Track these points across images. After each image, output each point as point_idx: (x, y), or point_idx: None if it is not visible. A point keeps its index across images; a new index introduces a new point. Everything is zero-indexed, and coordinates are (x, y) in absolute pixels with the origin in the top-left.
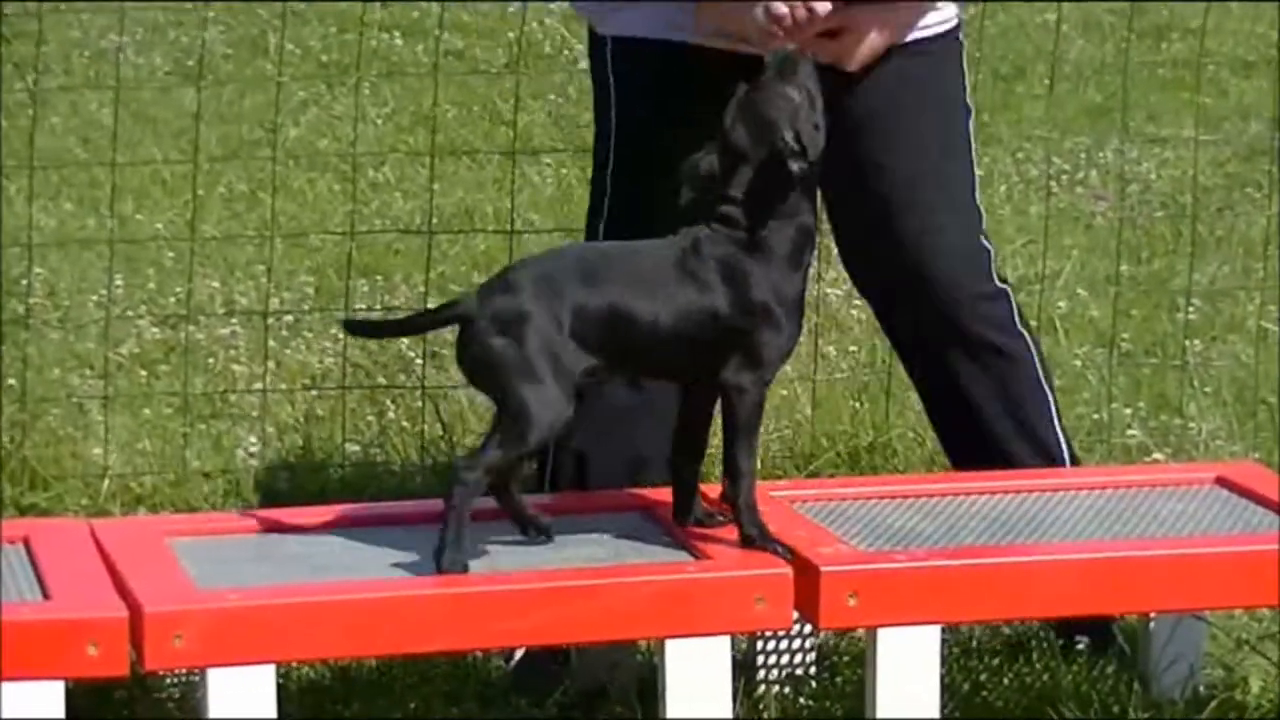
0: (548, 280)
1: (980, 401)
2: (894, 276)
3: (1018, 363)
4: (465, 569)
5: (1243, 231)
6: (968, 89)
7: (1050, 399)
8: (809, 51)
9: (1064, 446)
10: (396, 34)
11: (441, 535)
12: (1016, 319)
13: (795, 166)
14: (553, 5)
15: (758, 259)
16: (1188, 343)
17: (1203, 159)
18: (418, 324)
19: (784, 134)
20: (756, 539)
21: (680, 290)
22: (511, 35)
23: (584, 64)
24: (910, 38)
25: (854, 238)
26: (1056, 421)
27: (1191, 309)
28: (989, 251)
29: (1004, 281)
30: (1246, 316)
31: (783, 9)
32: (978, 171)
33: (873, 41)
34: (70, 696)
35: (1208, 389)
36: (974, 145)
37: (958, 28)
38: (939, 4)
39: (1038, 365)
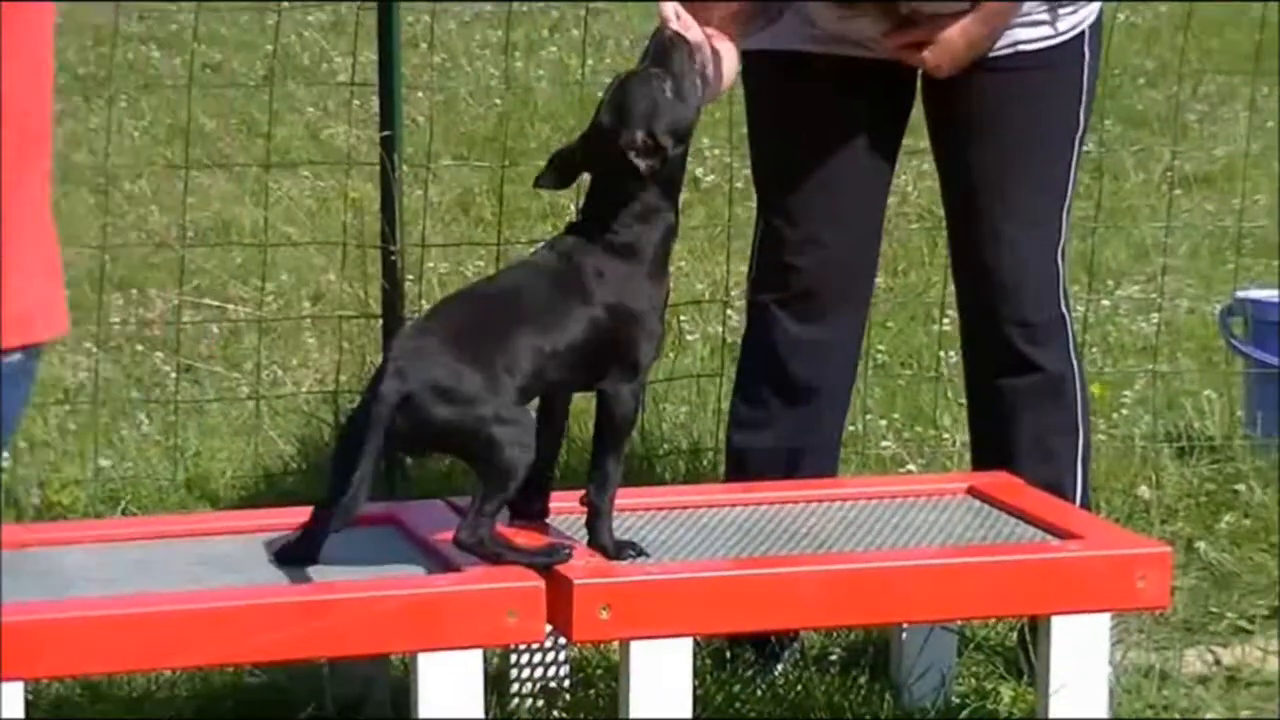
0: (457, 332)
1: (1011, 418)
2: (968, 273)
3: (1057, 392)
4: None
5: None
6: (1084, 106)
7: (1080, 437)
8: (907, 60)
9: (1079, 488)
10: (153, 46)
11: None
12: (1070, 348)
13: (643, 165)
14: (310, 18)
15: (626, 263)
16: (942, 354)
17: None
18: (372, 459)
19: (636, 133)
20: (610, 550)
21: (563, 306)
22: (269, 48)
23: (342, 76)
24: (1018, 49)
25: (949, 230)
26: (1080, 463)
27: (946, 321)
28: (1059, 273)
29: (1068, 309)
30: None
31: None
32: (1073, 189)
33: (956, 49)
34: None
35: (961, 400)
36: (1075, 166)
37: (1079, 40)
38: (1036, 15)
39: (1077, 401)
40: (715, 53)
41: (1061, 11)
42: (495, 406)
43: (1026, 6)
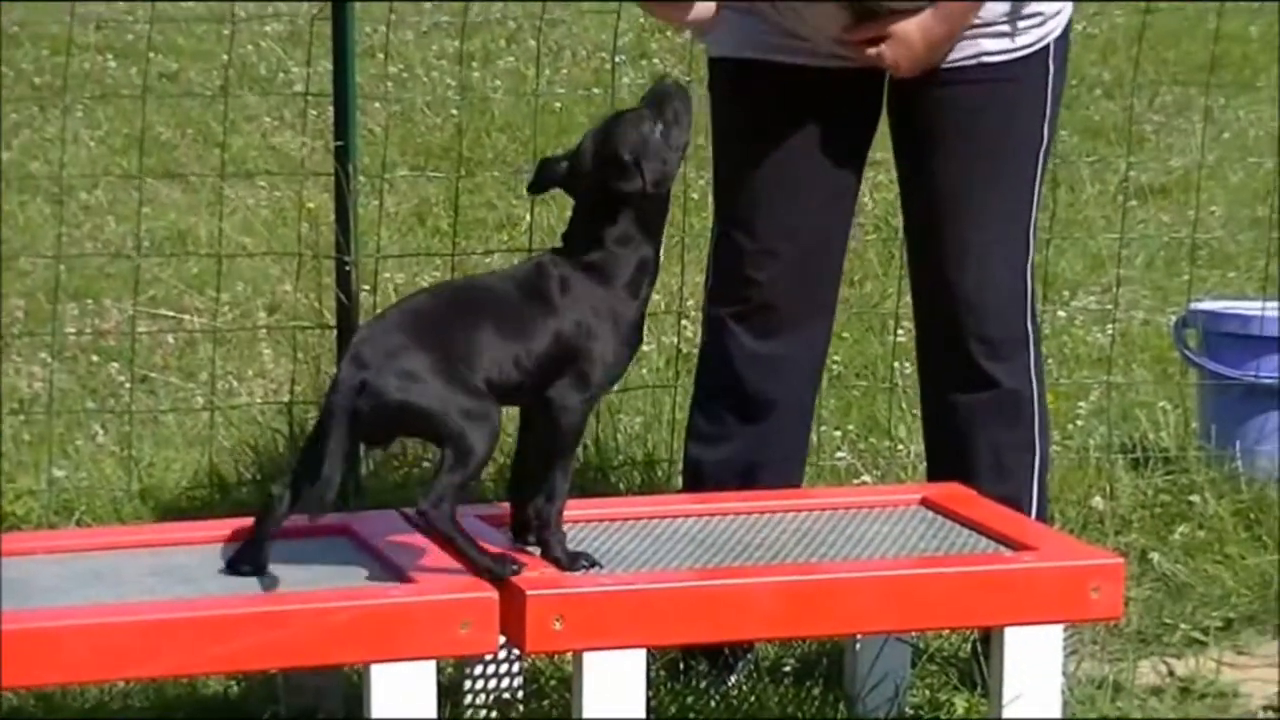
0: (417, 322)
1: (967, 434)
2: (929, 287)
3: (1015, 409)
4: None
5: None
6: (1049, 120)
7: (1038, 454)
8: (864, 58)
9: (1034, 503)
10: (110, 56)
11: (469, 556)
12: (1031, 366)
13: (627, 187)
14: (267, 28)
15: (596, 281)
16: (896, 365)
17: None
18: (341, 445)
19: (624, 156)
20: (564, 561)
21: (527, 311)
22: (225, 58)
23: (299, 86)
24: (982, 60)
25: (909, 244)
26: (1037, 478)
27: (901, 331)
28: (1027, 291)
29: (1035, 325)
30: None
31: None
32: (1038, 207)
33: (914, 46)
34: None
35: (915, 411)
36: (1040, 180)
37: (1044, 53)
38: (1000, 26)
39: (1035, 418)
40: None
41: (1021, 25)
42: (453, 387)
43: (989, 12)
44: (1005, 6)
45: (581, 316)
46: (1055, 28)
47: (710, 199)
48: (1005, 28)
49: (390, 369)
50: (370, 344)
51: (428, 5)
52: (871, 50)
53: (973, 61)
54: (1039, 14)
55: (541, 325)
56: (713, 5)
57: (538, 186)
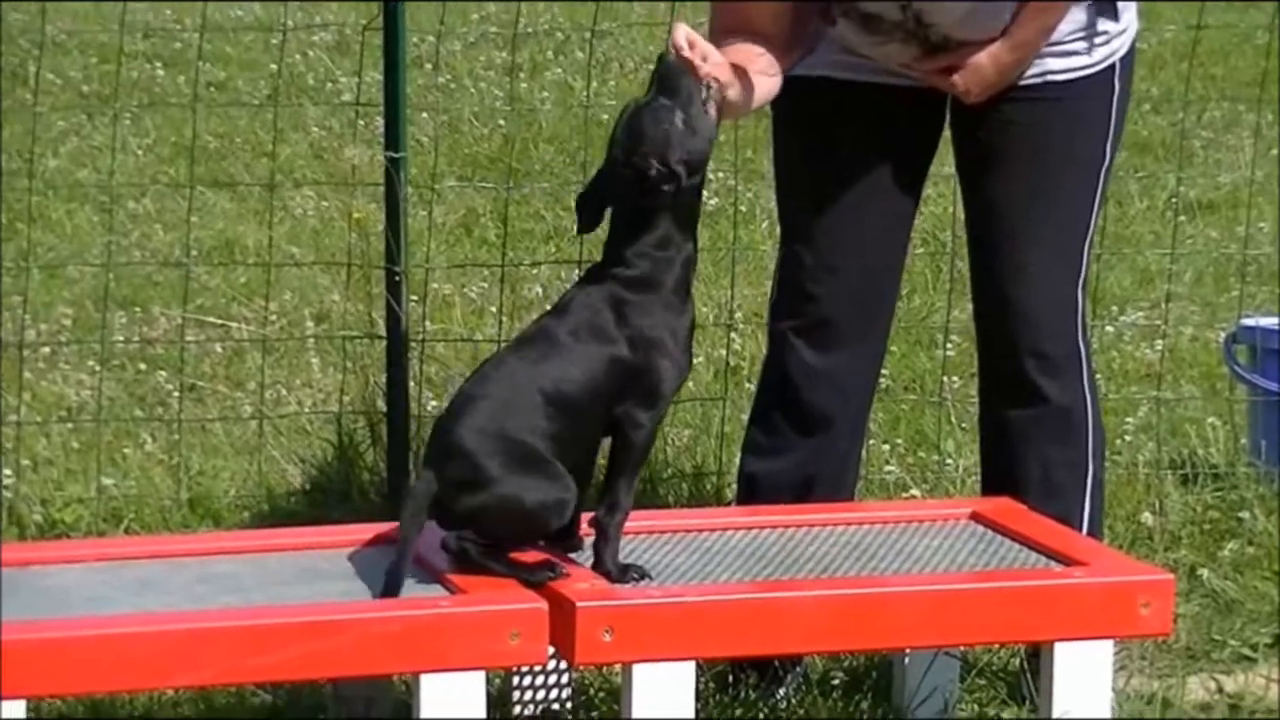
0: (485, 415)
1: (1018, 448)
2: (987, 302)
3: (1066, 425)
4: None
5: None
6: (1111, 139)
7: (1090, 473)
8: (937, 85)
9: (1085, 522)
10: (158, 65)
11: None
12: (1084, 382)
13: (666, 187)
14: (315, 38)
15: (648, 295)
16: (945, 379)
17: None
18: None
19: (652, 165)
20: (614, 573)
21: (589, 348)
22: (274, 67)
23: (346, 96)
24: (1048, 79)
25: (971, 258)
26: (1089, 497)
27: (950, 346)
28: (1078, 306)
29: (1086, 342)
30: None
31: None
32: (1095, 223)
33: (985, 74)
34: None
35: (964, 425)
36: (1100, 198)
37: (1109, 71)
38: (1068, 45)
39: (1088, 436)
40: (745, 77)
41: (1087, 44)
42: (526, 479)
43: (1058, 34)
44: (1072, 27)
45: (638, 334)
46: (1121, 46)
47: (758, 213)
48: (1071, 47)
49: (458, 483)
50: (441, 444)
51: (475, 16)
52: (943, 81)
53: (1038, 80)
54: (1105, 33)
55: (602, 358)
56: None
57: (587, 225)
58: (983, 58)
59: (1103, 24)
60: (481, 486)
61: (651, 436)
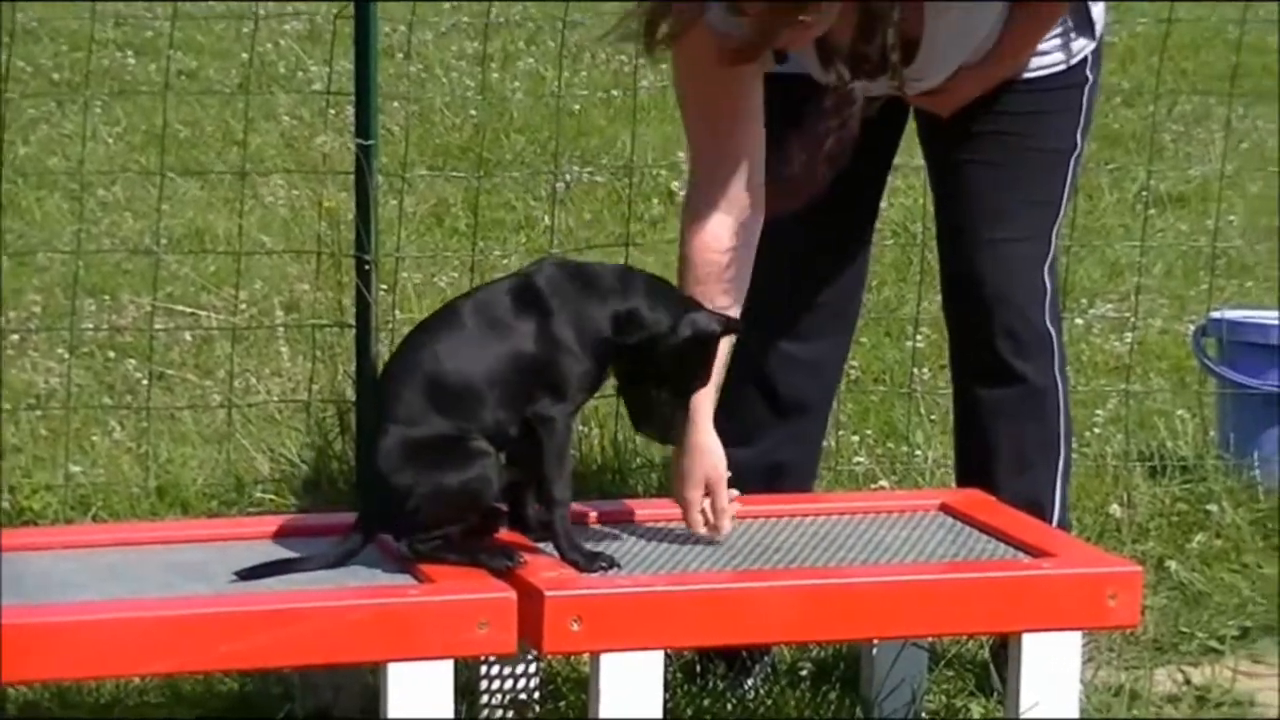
0: (411, 409)
1: (990, 428)
2: (957, 283)
3: (1039, 406)
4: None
5: None
6: (1082, 128)
7: (1061, 454)
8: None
9: (1057, 504)
10: (129, 53)
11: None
12: (1055, 365)
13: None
14: (287, 26)
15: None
16: (915, 371)
17: None
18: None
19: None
20: (581, 563)
21: (490, 338)
22: (245, 56)
23: (317, 85)
24: (1024, 76)
25: (940, 240)
26: (1059, 478)
27: (920, 337)
28: (1048, 289)
29: (1057, 326)
30: None
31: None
32: (1065, 209)
33: (967, 94)
34: None
35: (934, 417)
36: (1070, 186)
37: (1082, 64)
38: (1043, 46)
39: (1060, 417)
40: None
41: (1061, 44)
42: (440, 475)
43: None
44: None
45: (547, 331)
46: (1092, 41)
47: None
48: (1046, 50)
49: (394, 489)
50: (366, 472)
51: (447, 5)
52: (923, 102)
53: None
54: (1079, 41)
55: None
56: None
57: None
58: (963, 81)
59: (1077, 39)
60: (406, 494)
61: (566, 430)
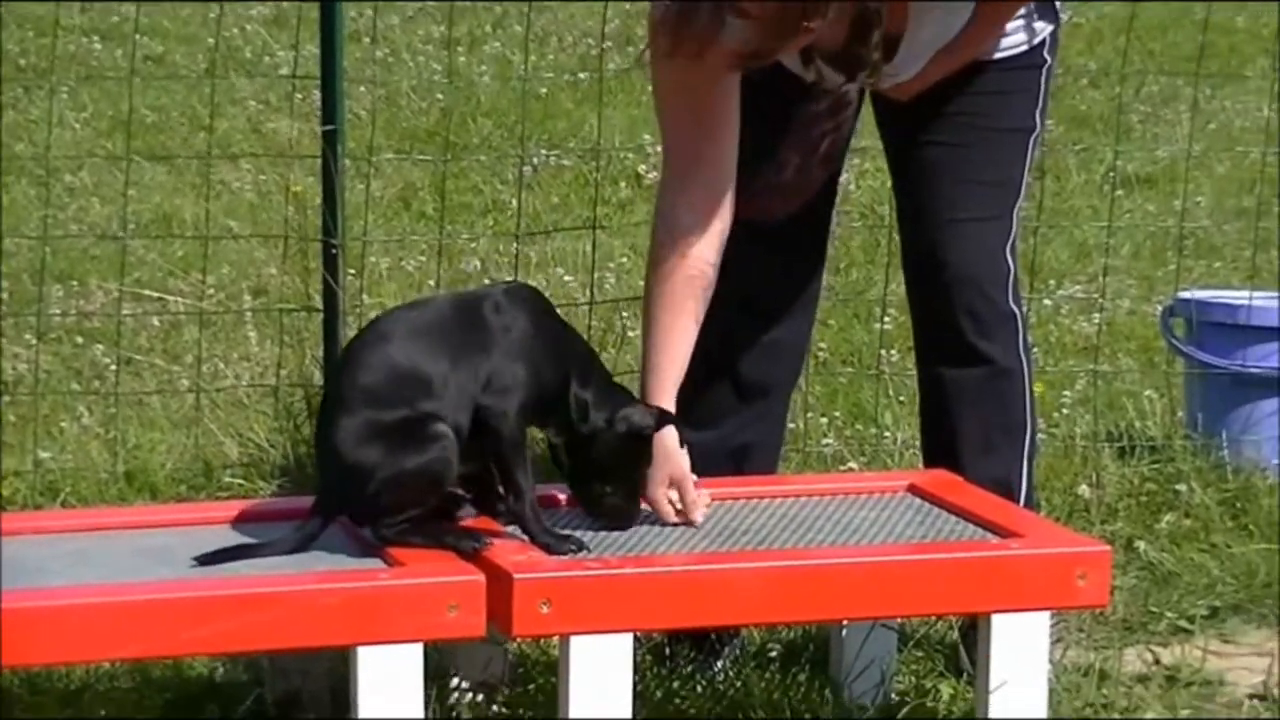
0: (370, 394)
1: (955, 409)
2: (919, 264)
3: (1004, 386)
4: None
5: None
6: (1041, 108)
7: (1026, 434)
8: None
9: (1024, 484)
10: (95, 38)
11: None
12: (1019, 345)
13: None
14: (253, 11)
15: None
16: (883, 352)
17: None
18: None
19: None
20: (551, 545)
21: (457, 336)
22: (211, 41)
23: (284, 70)
24: (982, 59)
25: (900, 221)
26: (1025, 458)
27: (887, 319)
28: (1010, 270)
29: (1019, 305)
30: None
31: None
32: (1025, 190)
33: (930, 80)
34: None
35: (902, 398)
36: (1029, 166)
37: (1041, 47)
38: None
39: (1025, 397)
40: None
41: (1035, 31)
42: (397, 458)
43: None
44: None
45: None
46: (1050, 24)
47: None
48: (1017, 25)
49: (351, 471)
50: (328, 444)
51: None
52: (887, 90)
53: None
54: (1034, 13)
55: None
56: None
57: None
58: (928, 68)
59: (1039, 21)
60: (366, 477)
61: (517, 426)
